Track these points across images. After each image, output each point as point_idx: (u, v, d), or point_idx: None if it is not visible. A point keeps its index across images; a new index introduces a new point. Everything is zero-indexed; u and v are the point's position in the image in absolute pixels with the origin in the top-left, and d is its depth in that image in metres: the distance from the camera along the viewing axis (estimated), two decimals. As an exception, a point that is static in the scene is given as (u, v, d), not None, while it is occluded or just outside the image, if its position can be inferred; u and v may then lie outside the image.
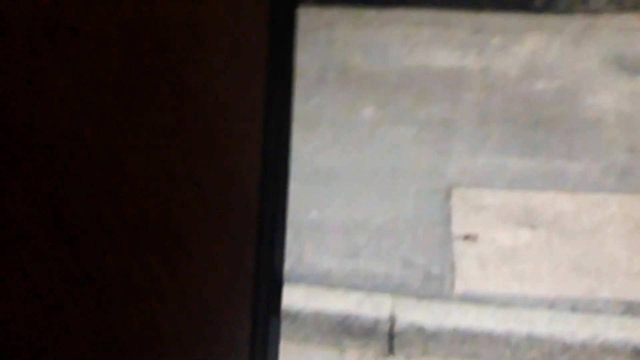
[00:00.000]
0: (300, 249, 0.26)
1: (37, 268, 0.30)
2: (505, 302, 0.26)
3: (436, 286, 0.26)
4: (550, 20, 0.28)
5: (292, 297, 0.27)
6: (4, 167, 0.29)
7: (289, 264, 0.27)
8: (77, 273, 0.30)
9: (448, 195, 0.25)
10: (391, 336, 0.26)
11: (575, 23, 0.27)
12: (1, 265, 0.29)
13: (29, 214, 0.31)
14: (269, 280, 0.26)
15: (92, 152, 0.31)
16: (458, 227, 0.25)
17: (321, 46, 0.26)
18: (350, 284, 0.26)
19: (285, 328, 0.27)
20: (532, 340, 0.25)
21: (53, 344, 0.30)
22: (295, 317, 0.27)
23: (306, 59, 0.25)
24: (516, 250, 0.25)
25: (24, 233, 0.31)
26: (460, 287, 0.25)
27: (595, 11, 0.28)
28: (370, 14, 0.27)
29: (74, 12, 0.32)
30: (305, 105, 0.26)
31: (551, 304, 0.26)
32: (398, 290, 0.26)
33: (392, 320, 0.26)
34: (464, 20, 0.27)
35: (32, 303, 0.31)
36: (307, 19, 0.26)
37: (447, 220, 0.25)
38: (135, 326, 0.29)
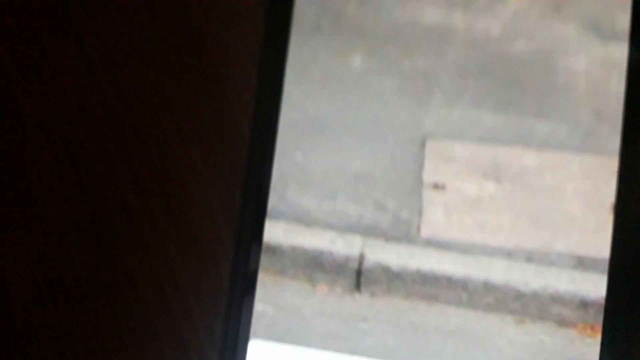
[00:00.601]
0: (284, 188, 0.27)
1: (39, 193, 0.33)
2: (466, 249, 0.27)
3: (404, 229, 0.27)
4: None
5: (272, 232, 0.28)
6: None
7: (273, 201, 0.28)
8: (77, 198, 0.32)
9: (422, 145, 0.26)
10: (359, 273, 0.28)
11: None
12: None
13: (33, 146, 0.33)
14: (254, 214, 0.28)
15: (97, 89, 0.33)
16: (428, 176, 0.25)
17: None
18: (326, 222, 0.28)
19: (264, 260, 0.29)
20: (488, 287, 0.27)
21: (51, 271, 0.32)
22: (274, 250, 0.28)
23: (303, 6, 0.25)
24: (480, 201, 0.26)
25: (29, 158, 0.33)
26: (425, 231, 0.26)
27: None
28: None
29: None
30: (300, 50, 0.26)
31: (508, 254, 0.27)
32: (369, 231, 0.28)
33: (361, 258, 0.28)
34: None
35: (31, 232, 0.33)
36: None
37: (419, 168, 0.26)
38: (129, 251, 0.32)
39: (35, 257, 0.33)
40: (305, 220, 0.27)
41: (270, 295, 0.27)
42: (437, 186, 0.26)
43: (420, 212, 0.26)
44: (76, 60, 0.33)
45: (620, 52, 0.26)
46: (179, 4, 0.31)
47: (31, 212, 0.34)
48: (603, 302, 0.24)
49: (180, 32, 0.31)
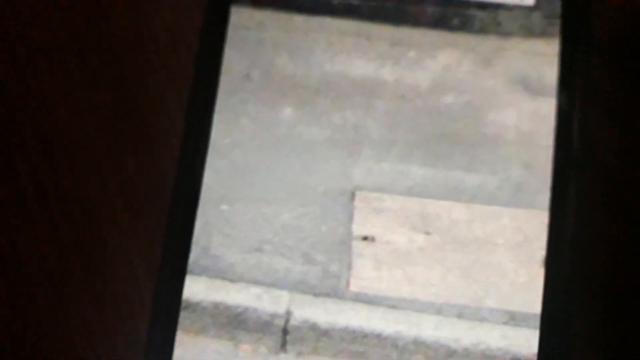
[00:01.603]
0: (208, 240, 0.25)
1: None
2: (395, 304, 0.26)
3: (333, 284, 0.26)
4: (464, 39, 0.28)
5: (194, 288, 0.26)
6: None
7: (195, 255, 0.27)
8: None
9: (352, 196, 0.25)
10: (285, 331, 0.26)
11: (487, 43, 0.28)
12: None
13: None
14: (174, 268, 0.26)
15: (19, 126, 0.31)
16: (358, 228, 0.25)
17: (250, 45, 0.26)
18: (251, 277, 0.26)
19: (183, 318, 0.27)
20: (418, 344, 0.25)
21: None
22: (195, 308, 0.26)
23: (235, 56, 0.25)
24: (410, 254, 0.25)
25: None
26: (355, 286, 0.25)
27: (507, 34, 0.28)
28: (299, 20, 0.27)
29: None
30: (229, 100, 0.25)
31: (439, 309, 0.26)
32: (296, 286, 0.26)
33: (287, 315, 0.26)
34: (384, 33, 0.27)
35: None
36: (239, 18, 0.25)
37: (349, 220, 0.25)
38: (44, 306, 0.29)
39: None
40: (229, 275, 0.25)
41: (190, 356, 0.25)
42: (366, 238, 0.25)
43: (349, 265, 0.25)
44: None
45: (548, 106, 0.26)
46: (108, 49, 0.30)
47: None
48: (535, 358, 0.23)
49: (108, 77, 0.30)
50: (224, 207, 0.26)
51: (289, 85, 0.27)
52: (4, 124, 0.30)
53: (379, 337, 0.24)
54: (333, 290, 0.25)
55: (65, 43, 0.31)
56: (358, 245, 0.25)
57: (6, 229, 0.30)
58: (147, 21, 0.30)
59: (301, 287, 0.25)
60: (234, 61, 0.27)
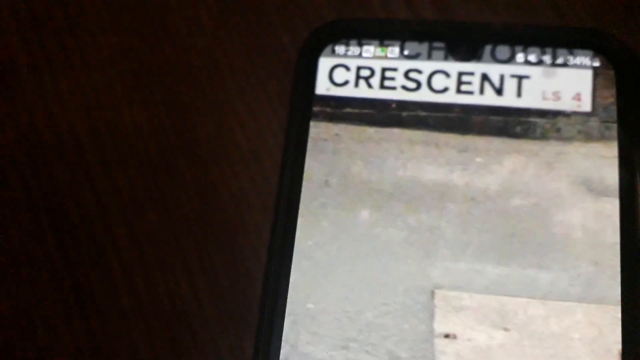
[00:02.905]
0: (296, 338, 0.26)
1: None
2: (478, 399, 0.27)
3: None
4: (527, 145, 0.29)
5: (286, 384, 0.27)
6: None
7: (284, 352, 0.28)
8: (88, 345, 0.31)
9: (432, 295, 0.26)
10: None
11: (549, 148, 0.28)
12: None
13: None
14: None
15: (113, 228, 0.33)
16: (439, 326, 0.25)
17: (328, 155, 0.27)
18: (339, 373, 0.27)
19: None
20: None
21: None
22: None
23: (314, 165, 0.26)
24: (490, 350, 0.25)
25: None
26: None
27: (567, 139, 0.29)
28: (372, 131, 0.28)
29: None
30: (310, 204, 0.27)
31: (521, 403, 0.27)
32: (381, 382, 0.27)
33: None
34: (452, 141, 0.28)
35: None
36: (317, 131, 0.27)
37: (430, 318, 0.25)
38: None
39: None
40: (318, 371, 0.26)
41: None
42: (448, 336, 0.26)
43: (432, 363, 0.26)
44: (89, 199, 0.33)
45: (612, 206, 0.27)
46: (194, 156, 0.32)
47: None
48: None
49: (195, 183, 0.32)
50: (310, 305, 0.27)
51: (364, 190, 0.28)
52: (100, 230, 0.32)
53: None
54: (418, 386, 0.25)
55: (155, 151, 0.33)
56: (440, 343, 0.26)
57: (100, 321, 0.31)
58: (230, 131, 0.32)
59: (387, 383, 0.26)
60: (313, 169, 0.29)
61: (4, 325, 0.31)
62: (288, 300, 0.27)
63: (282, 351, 0.27)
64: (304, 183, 0.29)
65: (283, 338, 0.27)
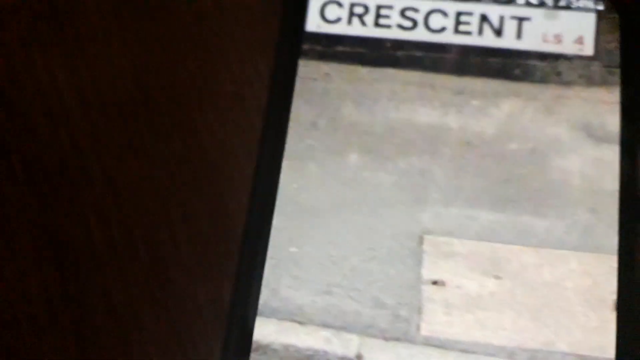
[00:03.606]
0: (277, 282, 0.25)
1: (20, 282, 0.30)
2: (467, 348, 0.25)
3: (403, 328, 0.25)
4: (526, 88, 0.28)
5: (264, 330, 0.26)
6: None
7: (265, 296, 0.26)
8: (60, 291, 0.30)
9: (420, 240, 0.25)
10: (356, 373, 0.26)
11: (549, 92, 0.27)
12: None
13: (17, 226, 0.31)
14: (244, 310, 0.26)
15: (90, 174, 0.32)
16: (427, 272, 0.24)
17: (317, 95, 0.26)
18: (321, 320, 0.26)
19: (255, 359, 0.26)
20: (491, 386, 0.25)
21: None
22: (265, 350, 0.26)
23: (302, 105, 0.25)
24: (481, 298, 0.24)
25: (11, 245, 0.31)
26: (425, 330, 0.24)
27: (567, 83, 0.28)
28: (364, 71, 0.27)
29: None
30: (297, 146, 0.25)
31: (511, 354, 0.25)
32: (366, 329, 0.25)
33: (358, 358, 0.25)
34: (447, 82, 0.27)
35: (12, 320, 0.30)
36: (306, 70, 0.26)
37: (418, 264, 0.24)
38: (110, 348, 0.29)
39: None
40: (299, 317, 0.25)
41: (261, 397, 0.24)
42: (436, 282, 0.25)
43: (419, 310, 0.25)
44: (66, 144, 0.32)
45: (612, 152, 0.26)
46: (178, 101, 0.31)
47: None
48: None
49: (177, 128, 0.31)
50: (292, 249, 0.26)
51: (354, 132, 0.27)
52: (77, 175, 0.31)
53: (451, 381, 0.23)
54: (403, 334, 0.24)
55: (137, 95, 0.31)
56: (428, 290, 0.25)
57: (75, 268, 0.30)
58: (215, 75, 0.31)
59: (371, 330, 0.25)
60: (301, 111, 0.27)
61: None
62: (270, 243, 0.26)
63: (262, 296, 0.25)
64: (291, 124, 0.27)
65: (263, 283, 0.26)
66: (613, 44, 0.27)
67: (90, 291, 0.29)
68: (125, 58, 0.32)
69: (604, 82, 0.26)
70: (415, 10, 0.28)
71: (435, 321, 0.24)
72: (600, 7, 0.27)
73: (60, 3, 0.33)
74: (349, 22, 0.28)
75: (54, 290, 0.29)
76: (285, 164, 0.27)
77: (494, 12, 0.28)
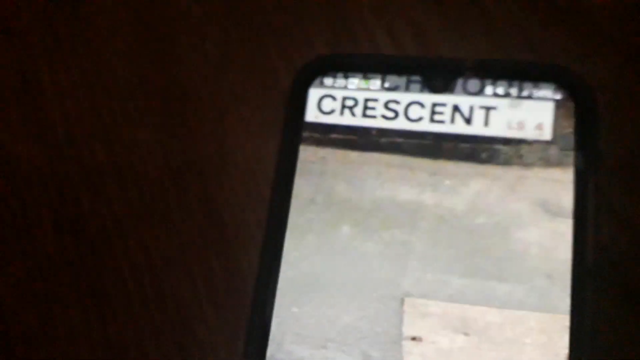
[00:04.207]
0: (281, 338, 0.28)
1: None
2: (441, 397, 0.29)
3: None
4: (491, 170, 0.30)
5: (270, 379, 0.30)
6: None
7: (271, 350, 0.30)
8: (101, 341, 0.34)
9: (402, 302, 0.28)
10: (347, 418, 0.29)
11: (512, 173, 0.30)
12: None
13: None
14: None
15: (127, 242, 0.36)
16: (407, 329, 0.27)
17: (315, 176, 0.29)
18: (318, 370, 0.29)
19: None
20: None
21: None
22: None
23: (303, 184, 0.28)
24: (452, 352, 0.27)
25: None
26: None
27: (528, 164, 0.30)
28: (354, 155, 0.30)
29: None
30: (298, 220, 0.29)
31: (479, 401, 0.29)
32: (356, 378, 0.29)
33: (349, 404, 0.29)
34: (424, 165, 0.30)
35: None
36: (306, 154, 0.29)
37: (400, 322, 0.27)
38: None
39: None
40: (300, 368, 0.29)
41: None
42: (415, 338, 0.29)
43: (400, 362, 0.28)
44: (106, 215, 0.37)
45: (566, 225, 0.29)
46: (197, 172, 0.35)
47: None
48: None
49: (198, 197, 0.35)
50: (294, 309, 0.30)
51: (346, 207, 0.31)
52: (115, 239, 0.35)
53: None
54: (388, 383, 0.28)
55: (165, 172, 0.36)
56: (408, 345, 0.28)
57: (114, 321, 0.34)
58: (230, 154, 0.35)
59: (360, 379, 0.28)
60: (301, 188, 0.32)
61: (28, 327, 0.34)
62: (276, 304, 0.30)
63: (269, 349, 0.29)
64: (293, 201, 0.31)
65: (270, 338, 0.29)
66: (568, 129, 0.30)
67: (127, 343, 0.33)
68: (156, 139, 0.36)
69: (559, 163, 0.30)
70: (397, 102, 0.32)
71: (415, 372, 0.28)
72: (558, 97, 0.31)
73: (98, 90, 0.38)
74: (342, 113, 0.32)
75: (97, 342, 0.34)
76: (288, 234, 0.31)
77: (465, 102, 0.31)
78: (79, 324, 0.34)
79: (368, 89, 0.31)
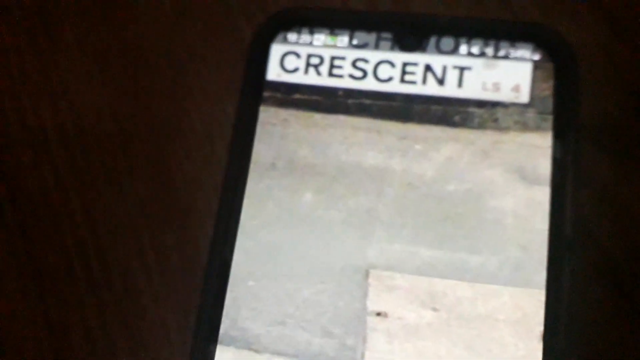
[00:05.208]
0: (236, 313, 0.26)
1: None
2: (407, 375, 0.27)
3: (349, 356, 0.26)
4: (465, 134, 0.29)
5: (223, 358, 0.27)
6: None
7: (224, 326, 0.28)
8: (42, 316, 0.31)
9: (366, 274, 0.26)
10: (306, 398, 0.27)
11: (486, 137, 0.28)
12: None
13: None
14: (206, 338, 0.27)
15: (70, 206, 0.33)
16: (372, 304, 0.25)
17: (276, 139, 0.27)
18: (275, 349, 0.27)
19: (215, 384, 0.28)
20: (429, 411, 0.26)
21: None
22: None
23: (262, 149, 0.26)
24: (419, 328, 0.25)
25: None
26: (369, 358, 0.26)
27: (504, 128, 0.29)
28: (318, 117, 0.28)
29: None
30: (257, 186, 0.27)
31: (447, 380, 0.27)
32: (316, 357, 0.27)
33: (308, 384, 0.27)
34: (393, 128, 0.28)
35: None
36: (267, 115, 0.27)
37: (364, 296, 0.26)
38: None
39: None
40: (255, 346, 0.26)
41: (217, 421, 0.26)
42: (379, 314, 0.26)
43: (364, 339, 0.26)
44: (48, 177, 0.34)
45: (543, 194, 0.27)
46: (150, 137, 0.32)
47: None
48: None
49: (150, 162, 0.32)
50: (250, 283, 0.27)
51: (309, 173, 0.29)
52: (57, 206, 0.32)
53: (391, 406, 0.25)
54: (349, 361, 0.26)
55: (114, 133, 0.33)
56: (372, 320, 0.26)
57: (54, 294, 0.31)
58: (186, 115, 0.32)
59: (320, 358, 0.26)
60: (261, 152, 0.29)
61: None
62: (230, 278, 0.27)
63: (222, 325, 0.27)
64: (252, 166, 0.29)
65: (224, 314, 0.27)
66: (547, 91, 0.28)
67: (69, 318, 0.31)
68: (105, 99, 0.33)
69: (537, 128, 0.28)
70: (366, 61, 0.29)
71: (379, 349, 0.26)
72: (536, 57, 0.29)
73: (46, 48, 0.34)
74: (306, 71, 0.30)
75: (38, 317, 0.31)
76: (246, 202, 0.28)
77: (438, 62, 0.29)
78: (17, 301, 0.30)
79: (335, 46, 0.29)
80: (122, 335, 0.30)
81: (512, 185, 0.27)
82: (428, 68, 0.29)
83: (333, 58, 0.30)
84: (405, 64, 0.29)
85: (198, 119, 0.32)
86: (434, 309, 0.26)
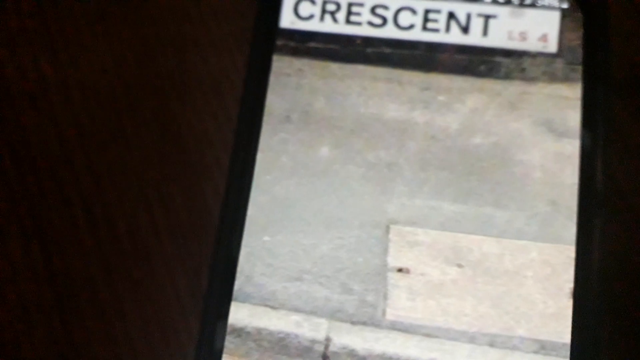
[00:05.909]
0: (251, 269, 0.25)
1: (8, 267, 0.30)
2: (430, 333, 0.26)
3: (369, 312, 0.26)
4: (490, 85, 0.28)
5: (238, 315, 0.26)
6: None
7: (239, 283, 0.27)
8: (47, 278, 0.30)
9: (387, 230, 0.25)
10: (325, 357, 0.26)
11: (513, 88, 0.27)
12: None
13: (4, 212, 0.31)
14: (220, 295, 0.26)
15: (74, 163, 0.32)
16: (393, 260, 0.24)
17: (290, 90, 0.26)
18: (292, 305, 0.26)
19: (229, 343, 0.27)
20: (452, 370, 0.25)
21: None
22: (239, 333, 0.26)
23: (276, 100, 0.25)
24: (443, 285, 0.24)
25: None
26: (390, 315, 0.25)
27: (531, 79, 0.28)
28: (335, 67, 0.27)
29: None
30: (271, 139, 0.26)
31: (471, 338, 0.26)
32: (335, 314, 0.26)
33: (327, 342, 0.26)
34: (415, 79, 0.27)
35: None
36: (280, 65, 0.26)
37: (384, 252, 0.25)
38: (93, 332, 0.29)
39: None
40: (271, 302, 0.25)
41: (234, 379, 0.25)
42: (401, 270, 0.25)
43: (385, 295, 0.25)
44: (51, 134, 0.32)
45: (572, 147, 0.26)
46: (156, 91, 0.31)
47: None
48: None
49: (156, 118, 0.30)
50: (266, 238, 0.26)
51: (325, 126, 0.27)
52: (59, 161, 0.31)
53: (414, 364, 0.24)
54: (370, 318, 0.25)
55: (118, 88, 0.31)
56: (393, 277, 0.25)
57: (59, 254, 0.30)
58: (193, 68, 0.31)
59: (339, 315, 0.25)
60: (275, 105, 0.27)
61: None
62: (245, 233, 0.26)
63: (237, 282, 0.26)
64: (265, 118, 0.27)
65: (238, 270, 0.26)
66: (576, 41, 0.27)
67: (75, 278, 0.29)
68: (108, 54, 0.32)
69: (566, 79, 0.26)
70: (385, 7, 0.28)
71: (400, 306, 0.25)
72: (565, 6, 0.27)
73: (47, 3, 0.33)
74: (322, 19, 0.28)
75: (41, 276, 0.29)
76: (260, 156, 0.27)
77: (462, 9, 0.28)
78: (20, 259, 0.29)
79: (352, -8, 0.27)
80: (130, 295, 0.29)
81: (540, 138, 0.26)
82: (451, 15, 0.27)
83: (350, 4, 0.28)
84: (427, 11, 0.28)
85: (206, 70, 0.31)
86: (459, 265, 0.25)
